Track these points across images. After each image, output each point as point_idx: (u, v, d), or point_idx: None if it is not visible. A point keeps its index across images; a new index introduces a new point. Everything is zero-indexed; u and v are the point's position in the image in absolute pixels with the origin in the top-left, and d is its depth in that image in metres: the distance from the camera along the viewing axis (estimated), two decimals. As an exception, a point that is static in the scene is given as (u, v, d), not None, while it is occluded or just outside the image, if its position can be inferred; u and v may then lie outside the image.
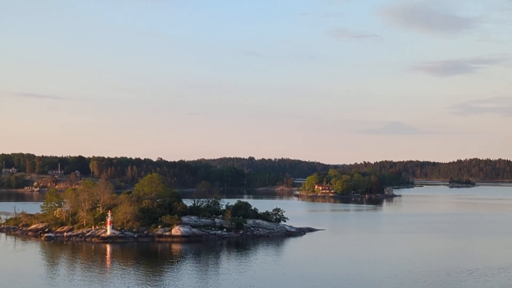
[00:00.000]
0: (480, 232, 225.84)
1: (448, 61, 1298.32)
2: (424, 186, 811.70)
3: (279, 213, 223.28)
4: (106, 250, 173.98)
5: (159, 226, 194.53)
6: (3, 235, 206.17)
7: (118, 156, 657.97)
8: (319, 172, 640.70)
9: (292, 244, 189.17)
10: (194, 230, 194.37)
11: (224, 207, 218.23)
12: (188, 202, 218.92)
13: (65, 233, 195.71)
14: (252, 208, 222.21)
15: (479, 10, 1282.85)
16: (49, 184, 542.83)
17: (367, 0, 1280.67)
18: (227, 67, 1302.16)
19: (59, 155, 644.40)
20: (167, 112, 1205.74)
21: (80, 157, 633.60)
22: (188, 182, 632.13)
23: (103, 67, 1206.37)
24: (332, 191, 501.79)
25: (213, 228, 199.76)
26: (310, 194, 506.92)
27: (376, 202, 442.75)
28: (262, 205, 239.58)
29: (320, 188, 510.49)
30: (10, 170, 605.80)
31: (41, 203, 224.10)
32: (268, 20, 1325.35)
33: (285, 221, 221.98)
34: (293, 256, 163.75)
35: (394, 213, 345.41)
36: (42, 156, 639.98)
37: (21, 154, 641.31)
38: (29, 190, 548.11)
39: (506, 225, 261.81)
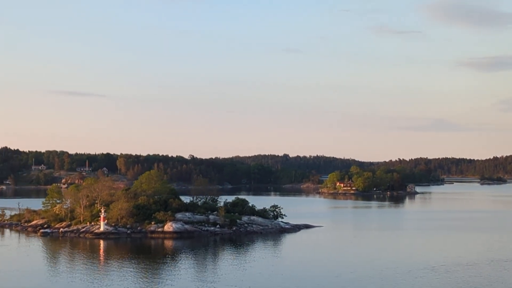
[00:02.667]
0: (481, 229, 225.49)
1: (492, 57, 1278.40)
2: (455, 183, 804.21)
3: (276, 210, 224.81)
4: (97, 245, 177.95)
5: (152, 223, 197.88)
6: (7, 230, 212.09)
7: (152, 154, 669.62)
8: (341, 169, 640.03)
9: (281, 240, 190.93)
10: (186, 226, 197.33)
11: (222, 204, 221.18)
12: (187, 199, 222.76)
13: (60, 229, 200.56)
14: (250, 205, 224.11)
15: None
16: (76, 181, 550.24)
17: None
18: (267, 64, 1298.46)
19: (99, 152, 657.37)
20: (204, 110, 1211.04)
21: (108, 154, 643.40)
22: (214, 179, 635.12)
23: (142, 66, 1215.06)
24: (353, 188, 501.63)
25: (206, 225, 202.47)
26: (332, 191, 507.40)
27: (397, 199, 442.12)
28: (279, 202, 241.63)
29: (342, 185, 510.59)
30: (40, 167, 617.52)
31: (43, 200, 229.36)
32: (309, 17, 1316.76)
33: (282, 218, 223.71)
34: (273, 252, 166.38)
35: (405, 210, 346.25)
36: (76, 154, 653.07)
37: (55, 152, 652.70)
38: (57, 187, 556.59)
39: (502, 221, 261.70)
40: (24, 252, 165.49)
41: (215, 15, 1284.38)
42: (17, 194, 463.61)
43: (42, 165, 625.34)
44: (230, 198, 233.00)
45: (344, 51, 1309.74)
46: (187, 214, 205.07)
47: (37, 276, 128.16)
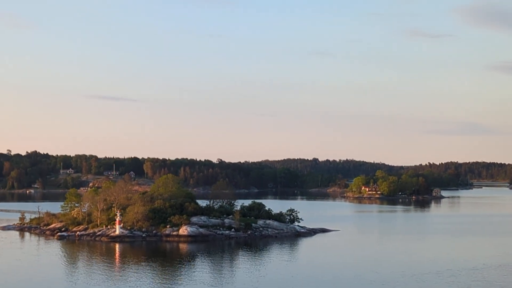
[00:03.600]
0: (497, 233, 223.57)
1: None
2: (484, 187, 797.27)
3: (293, 214, 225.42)
4: (112, 248, 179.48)
5: (167, 226, 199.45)
6: (26, 234, 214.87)
7: (180, 158, 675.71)
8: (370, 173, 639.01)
9: (293, 244, 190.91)
10: (201, 230, 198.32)
11: (238, 208, 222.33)
12: (204, 203, 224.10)
13: (77, 233, 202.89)
14: (266, 208, 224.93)
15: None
16: (103, 185, 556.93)
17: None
18: (297, 67, 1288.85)
19: (128, 156, 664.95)
20: (234, 113, 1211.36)
21: (135, 158, 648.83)
22: (240, 183, 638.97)
23: (174, 70, 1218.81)
24: (378, 192, 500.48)
25: (221, 228, 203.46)
26: (357, 196, 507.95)
27: (422, 203, 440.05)
28: (303, 207, 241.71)
29: (367, 189, 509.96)
30: (67, 171, 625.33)
31: (62, 203, 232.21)
32: (340, 20, 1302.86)
33: (299, 222, 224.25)
34: (281, 255, 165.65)
35: (426, 214, 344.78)
36: (105, 158, 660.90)
37: (83, 156, 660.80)
38: (85, 190, 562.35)
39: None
40: (37, 255, 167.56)
41: (244, 18, 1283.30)
42: (45, 197, 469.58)
43: (70, 169, 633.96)
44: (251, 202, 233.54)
45: (375, 55, 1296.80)
46: (202, 217, 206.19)
47: (48, 280, 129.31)
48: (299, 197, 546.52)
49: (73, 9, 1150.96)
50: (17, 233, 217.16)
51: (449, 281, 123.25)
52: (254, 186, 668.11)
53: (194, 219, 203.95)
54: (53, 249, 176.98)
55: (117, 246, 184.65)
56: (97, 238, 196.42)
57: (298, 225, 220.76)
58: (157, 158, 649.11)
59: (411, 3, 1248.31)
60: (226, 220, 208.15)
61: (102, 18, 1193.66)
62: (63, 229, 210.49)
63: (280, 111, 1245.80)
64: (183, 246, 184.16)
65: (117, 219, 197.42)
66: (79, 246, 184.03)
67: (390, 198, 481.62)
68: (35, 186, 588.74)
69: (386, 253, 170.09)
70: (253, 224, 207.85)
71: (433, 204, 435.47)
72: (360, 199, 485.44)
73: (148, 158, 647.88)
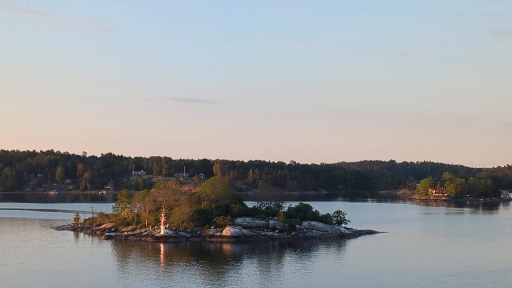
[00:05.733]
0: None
1: None
2: None
3: (340, 215, 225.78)
4: (157, 248, 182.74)
5: (212, 227, 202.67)
6: (81, 234, 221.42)
7: (254, 159, 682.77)
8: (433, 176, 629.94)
9: (334, 246, 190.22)
10: (244, 231, 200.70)
11: (286, 209, 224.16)
12: (251, 204, 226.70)
13: (124, 233, 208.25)
14: (313, 210, 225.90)
15: None
16: (174, 187, 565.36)
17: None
18: (379, 69, 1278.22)
19: (200, 158, 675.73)
20: (313, 115, 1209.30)
21: (205, 160, 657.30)
22: (309, 185, 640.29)
23: (252, 72, 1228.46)
24: (445, 194, 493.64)
25: (265, 229, 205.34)
26: (423, 198, 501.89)
27: (490, 206, 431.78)
28: (367, 208, 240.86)
29: (434, 191, 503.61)
30: (139, 173, 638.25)
31: (113, 204, 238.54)
32: (423, 21, 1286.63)
33: (346, 224, 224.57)
34: (315, 256, 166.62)
35: (485, 217, 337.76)
36: (179, 159, 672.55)
37: (157, 157, 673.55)
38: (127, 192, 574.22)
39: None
40: (72, 254, 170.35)
41: (327, 21, 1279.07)
42: (116, 199, 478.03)
43: (142, 170, 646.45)
44: (323, 205, 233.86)
45: (459, 55, 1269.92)
46: (247, 219, 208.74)
47: (88, 281, 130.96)
48: (369, 199, 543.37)
49: (155, 12, 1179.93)
50: (70, 232, 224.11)
51: (467, 283, 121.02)
52: (324, 188, 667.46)
53: (238, 220, 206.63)
54: (98, 249, 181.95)
55: (161, 246, 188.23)
56: (142, 239, 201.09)
57: (344, 227, 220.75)
58: (227, 160, 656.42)
59: (494, 2, 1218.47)
60: (271, 222, 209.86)
61: (184, 20, 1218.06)
62: (112, 229, 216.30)
63: (360, 112, 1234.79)
64: (226, 247, 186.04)
65: (161, 220, 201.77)
66: (123, 246, 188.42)
67: (457, 200, 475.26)
68: (107, 187, 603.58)
69: (415, 255, 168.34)
70: (297, 226, 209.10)
71: (500, 207, 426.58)
72: (426, 201, 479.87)
73: (218, 159, 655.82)
